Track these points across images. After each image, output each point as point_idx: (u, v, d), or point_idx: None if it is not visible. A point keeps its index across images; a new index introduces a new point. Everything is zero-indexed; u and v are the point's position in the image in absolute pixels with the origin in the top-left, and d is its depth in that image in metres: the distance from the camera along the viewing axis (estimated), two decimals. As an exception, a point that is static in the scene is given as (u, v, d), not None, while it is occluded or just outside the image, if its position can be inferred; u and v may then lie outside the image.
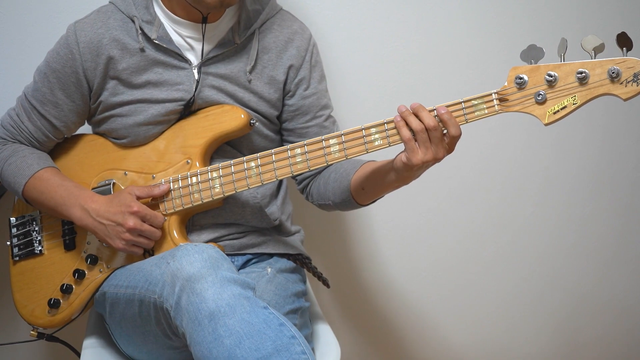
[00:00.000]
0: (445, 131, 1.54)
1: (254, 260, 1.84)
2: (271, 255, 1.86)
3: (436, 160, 1.55)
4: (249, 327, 1.41)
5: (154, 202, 1.76)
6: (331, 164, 1.66)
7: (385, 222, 2.36)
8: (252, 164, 1.69)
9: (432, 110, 1.54)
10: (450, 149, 1.57)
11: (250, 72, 1.79)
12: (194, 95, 1.75)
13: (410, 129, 1.55)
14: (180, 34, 1.77)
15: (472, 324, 2.50)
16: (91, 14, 1.80)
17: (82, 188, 1.77)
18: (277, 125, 1.87)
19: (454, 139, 1.55)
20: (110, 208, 1.71)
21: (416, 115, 1.54)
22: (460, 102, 1.53)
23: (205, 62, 1.76)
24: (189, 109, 1.78)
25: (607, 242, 2.52)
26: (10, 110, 1.87)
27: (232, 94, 1.78)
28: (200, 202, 1.73)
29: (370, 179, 1.72)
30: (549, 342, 2.55)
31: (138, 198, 1.72)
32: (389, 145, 1.59)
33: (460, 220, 2.39)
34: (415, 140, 1.54)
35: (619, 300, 2.57)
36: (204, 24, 1.75)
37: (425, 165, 1.56)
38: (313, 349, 1.77)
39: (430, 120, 1.52)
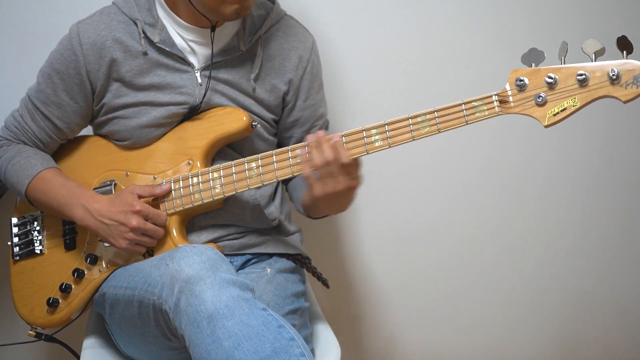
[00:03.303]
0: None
1: (253, 261, 1.84)
2: (271, 255, 1.86)
3: (337, 193, 1.61)
4: (247, 329, 1.41)
5: (155, 202, 1.76)
6: None
7: (385, 222, 2.36)
8: (253, 164, 1.70)
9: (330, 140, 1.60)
10: (352, 178, 1.61)
11: (255, 80, 1.79)
12: (202, 100, 1.76)
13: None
14: (183, 37, 1.77)
15: (472, 324, 2.50)
16: (94, 14, 1.80)
17: (84, 188, 1.77)
18: (277, 128, 1.88)
19: (347, 167, 1.59)
20: (112, 207, 1.71)
21: (319, 147, 1.60)
22: (461, 104, 1.54)
23: (208, 66, 1.76)
24: (194, 112, 1.78)
25: (607, 243, 2.52)
26: (14, 111, 1.87)
27: (234, 98, 1.79)
28: (200, 203, 1.73)
29: (311, 199, 1.75)
30: (549, 342, 2.56)
31: (140, 197, 1.72)
32: (389, 147, 1.59)
33: (460, 221, 2.40)
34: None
35: (619, 300, 2.58)
36: (212, 32, 1.74)
37: (330, 196, 1.62)
38: (313, 349, 1.77)
39: (327, 154, 1.58)
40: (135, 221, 1.68)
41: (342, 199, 1.66)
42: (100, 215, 1.71)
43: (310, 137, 1.62)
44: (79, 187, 1.78)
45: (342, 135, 1.62)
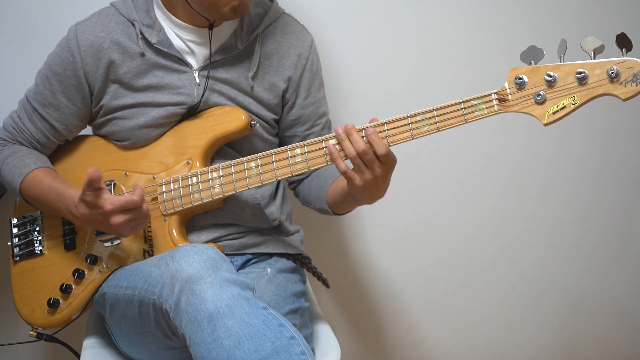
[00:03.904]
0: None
1: (253, 260, 1.84)
2: (271, 255, 1.86)
3: (376, 177, 1.59)
4: (248, 328, 1.41)
5: (154, 201, 1.76)
6: (330, 165, 1.66)
7: (385, 222, 2.36)
8: (252, 164, 1.70)
9: (361, 130, 1.58)
10: (387, 165, 1.60)
11: (253, 79, 1.79)
12: (200, 100, 1.76)
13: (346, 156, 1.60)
14: (181, 37, 1.77)
15: (472, 324, 2.50)
16: (92, 16, 1.80)
17: (70, 190, 1.72)
18: (277, 128, 1.88)
19: (383, 157, 1.58)
20: (92, 210, 1.65)
21: (349, 138, 1.58)
22: (460, 103, 1.54)
23: (206, 66, 1.76)
24: (193, 112, 1.78)
25: (607, 242, 2.51)
26: (12, 112, 1.88)
27: (233, 98, 1.79)
28: (200, 202, 1.73)
29: (342, 194, 1.76)
30: (549, 342, 2.55)
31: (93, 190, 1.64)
32: (388, 145, 1.59)
33: (460, 220, 2.39)
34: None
35: (619, 300, 2.57)
36: (210, 31, 1.75)
37: (370, 183, 1.60)
38: (313, 349, 1.77)
39: (360, 145, 1.57)
40: (115, 219, 1.62)
41: (381, 184, 1.63)
42: (86, 219, 1.67)
43: (339, 129, 1.60)
44: (66, 189, 1.73)
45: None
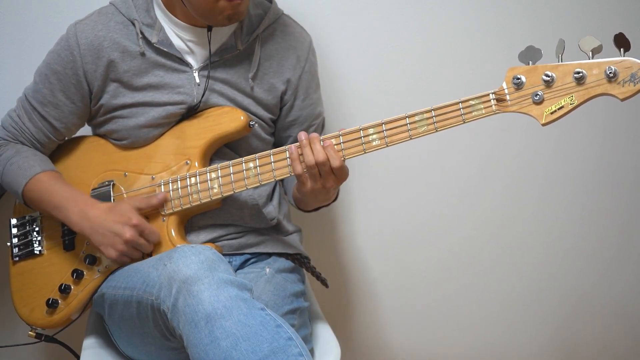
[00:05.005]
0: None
1: (252, 260, 1.84)
2: (270, 254, 1.86)
3: (327, 188, 1.64)
4: (245, 329, 1.41)
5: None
6: None
7: (385, 222, 2.35)
8: (251, 164, 1.70)
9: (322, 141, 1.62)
10: (339, 178, 1.64)
11: (253, 79, 1.79)
12: (200, 100, 1.76)
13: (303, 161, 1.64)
14: (181, 37, 1.77)
15: (471, 325, 2.49)
16: (92, 15, 1.80)
17: (82, 194, 1.78)
18: (273, 127, 1.88)
19: (337, 170, 1.62)
20: (110, 217, 1.71)
21: (310, 146, 1.62)
22: (458, 103, 1.54)
23: (206, 66, 1.76)
24: (192, 112, 1.78)
25: (607, 243, 2.51)
26: (11, 111, 1.87)
27: (233, 98, 1.79)
28: (198, 203, 1.73)
29: (301, 196, 1.77)
30: (548, 342, 2.55)
31: (138, 209, 1.72)
32: (387, 146, 1.59)
33: (460, 220, 2.39)
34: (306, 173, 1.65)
35: (618, 301, 2.57)
36: (209, 32, 1.75)
37: (319, 192, 1.66)
38: (313, 349, 1.77)
39: (320, 155, 1.60)
40: (129, 234, 1.68)
41: (331, 194, 1.70)
42: (96, 223, 1.71)
43: (302, 135, 1.63)
44: (77, 192, 1.78)
45: (340, 135, 1.62)
